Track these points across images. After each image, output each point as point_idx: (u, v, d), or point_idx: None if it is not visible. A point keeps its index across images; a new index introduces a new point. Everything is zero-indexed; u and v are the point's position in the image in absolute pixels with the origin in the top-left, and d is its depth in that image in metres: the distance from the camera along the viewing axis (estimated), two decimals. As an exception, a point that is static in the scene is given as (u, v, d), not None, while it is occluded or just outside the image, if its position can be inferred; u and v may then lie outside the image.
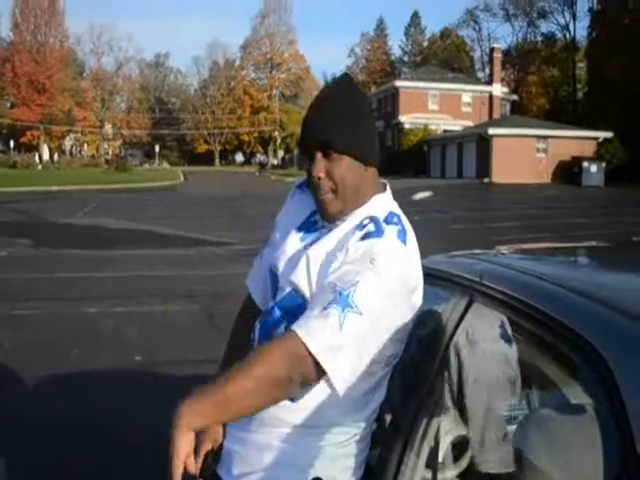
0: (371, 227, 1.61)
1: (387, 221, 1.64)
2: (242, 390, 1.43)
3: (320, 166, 1.65)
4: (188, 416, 1.44)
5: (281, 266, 1.74)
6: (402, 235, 1.63)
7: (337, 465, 1.68)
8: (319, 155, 1.66)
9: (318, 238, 1.71)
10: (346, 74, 1.83)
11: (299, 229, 1.77)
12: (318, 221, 1.76)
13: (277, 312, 1.70)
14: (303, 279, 1.65)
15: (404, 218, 1.70)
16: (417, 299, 1.69)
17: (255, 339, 1.76)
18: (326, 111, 1.67)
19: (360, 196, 1.70)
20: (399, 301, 1.61)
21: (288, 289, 1.69)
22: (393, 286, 1.57)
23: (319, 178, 1.66)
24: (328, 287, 1.54)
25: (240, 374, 1.44)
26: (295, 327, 1.48)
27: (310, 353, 1.44)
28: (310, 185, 1.71)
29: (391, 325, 1.62)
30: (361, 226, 1.64)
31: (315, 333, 1.45)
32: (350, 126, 1.66)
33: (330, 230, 1.70)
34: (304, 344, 1.44)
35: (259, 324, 1.77)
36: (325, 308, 1.48)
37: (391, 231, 1.61)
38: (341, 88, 1.74)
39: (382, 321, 1.57)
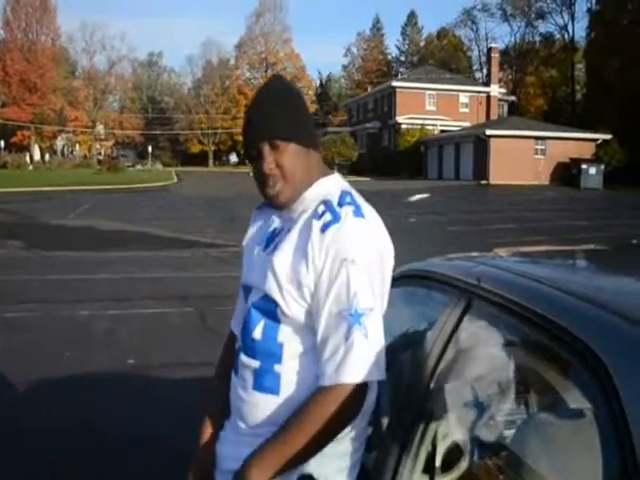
0: (328, 216, 1.65)
1: (340, 203, 1.68)
2: (307, 447, 1.56)
3: (270, 159, 1.71)
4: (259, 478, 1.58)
5: (251, 278, 1.81)
6: (358, 211, 1.67)
7: (331, 465, 1.69)
8: (267, 149, 1.72)
9: (279, 240, 1.75)
10: (275, 75, 1.96)
11: (260, 242, 1.84)
12: (276, 228, 1.81)
13: (254, 313, 1.76)
14: (273, 285, 1.69)
15: (357, 194, 1.75)
16: (389, 258, 1.76)
17: (241, 347, 1.81)
18: (265, 107, 1.74)
19: (307, 179, 1.75)
20: (382, 272, 1.71)
21: (260, 294, 1.74)
22: (376, 265, 1.67)
23: (270, 170, 1.71)
24: (334, 318, 1.61)
25: (302, 436, 1.56)
26: (336, 378, 1.56)
27: (360, 384, 1.58)
28: (259, 182, 1.77)
29: (384, 297, 1.75)
30: (317, 214, 1.67)
31: (356, 369, 1.56)
32: (289, 115, 1.73)
33: (288, 228, 1.74)
34: (354, 384, 1.56)
35: (241, 332, 1.82)
36: (347, 338, 1.58)
37: (347, 212, 1.65)
38: (274, 86, 1.82)
39: (380, 298, 1.70)
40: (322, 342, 1.63)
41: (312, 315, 1.66)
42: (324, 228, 1.64)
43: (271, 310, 1.70)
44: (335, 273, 1.61)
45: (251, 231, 1.94)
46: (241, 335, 1.82)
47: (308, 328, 1.67)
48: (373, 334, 1.60)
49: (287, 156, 1.71)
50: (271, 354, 1.71)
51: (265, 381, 1.71)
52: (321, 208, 1.68)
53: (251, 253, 1.87)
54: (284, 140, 1.71)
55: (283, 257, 1.69)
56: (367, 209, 1.72)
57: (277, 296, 1.67)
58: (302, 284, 1.64)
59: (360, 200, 1.74)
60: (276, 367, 1.70)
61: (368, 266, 1.63)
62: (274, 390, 1.70)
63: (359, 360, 1.57)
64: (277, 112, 1.72)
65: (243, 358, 1.78)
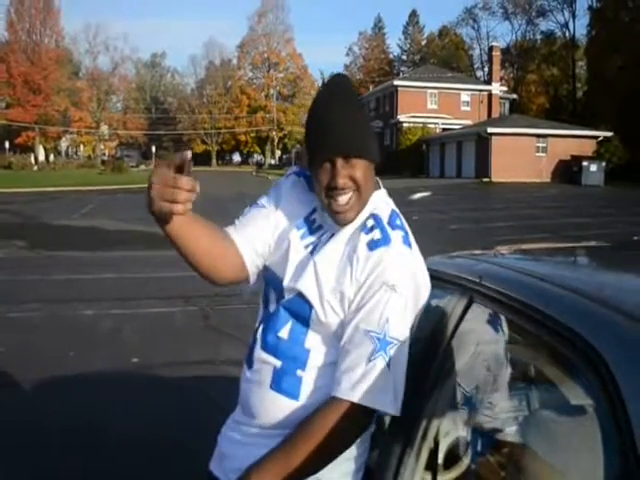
0: (377, 234, 1.64)
1: (391, 225, 1.67)
2: (307, 461, 1.54)
3: (344, 172, 1.65)
4: None
5: (284, 270, 1.73)
6: (406, 239, 1.67)
7: (336, 469, 1.67)
8: (340, 162, 1.64)
9: (320, 240, 1.72)
10: (341, 75, 1.81)
11: (299, 226, 1.77)
12: (317, 219, 1.76)
13: (282, 313, 1.71)
14: (311, 286, 1.65)
15: (403, 219, 1.73)
16: (425, 297, 1.72)
17: (258, 341, 1.75)
18: (342, 117, 1.65)
19: (371, 193, 1.73)
20: (416, 306, 1.67)
21: (293, 294, 1.69)
22: (412, 299, 1.64)
23: (345, 183, 1.65)
24: (360, 334, 1.58)
25: (303, 449, 1.54)
26: (350, 394, 1.55)
27: (371, 409, 1.57)
28: (327, 194, 1.68)
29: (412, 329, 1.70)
30: (365, 228, 1.66)
31: (371, 394, 1.55)
32: (363, 129, 1.68)
33: (334, 233, 1.71)
34: (365, 407, 1.55)
35: (262, 325, 1.76)
36: (370, 360, 1.56)
37: (397, 237, 1.65)
38: (344, 91, 1.72)
39: (410, 331, 1.66)
40: (343, 352, 1.61)
41: (343, 326, 1.64)
42: (372, 246, 1.63)
43: (304, 313, 1.67)
44: (372, 292, 1.59)
45: (287, 193, 1.85)
46: (261, 329, 1.76)
47: (336, 339, 1.65)
48: (396, 366, 1.59)
49: (359, 171, 1.66)
50: (296, 358, 1.68)
51: (284, 383, 1.68)
52: (370, 222, 1.67)
53: (286, 231, 1.79)
54: (358, 157, 1.66)
55: (326, 263, 1.66)
56: (412, 239, 1.71)
57: (315, 302, 1.64)
58: (345, 296, 1.62)
59: (407, 226, 1.73)
60: (299, 372, 1.67)
61: (406, 298, 1.61)
62: (293, 394, 1.67)
63: (376, 386, 1.56)
64: (354, 124, 1.66)
65: (262, 354, 1.72)
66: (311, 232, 1.76)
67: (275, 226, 1.81)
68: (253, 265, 1.79)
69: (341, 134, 1.64)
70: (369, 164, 1.69)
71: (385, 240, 1.63)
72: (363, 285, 1.61)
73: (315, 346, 1.68)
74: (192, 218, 1.64)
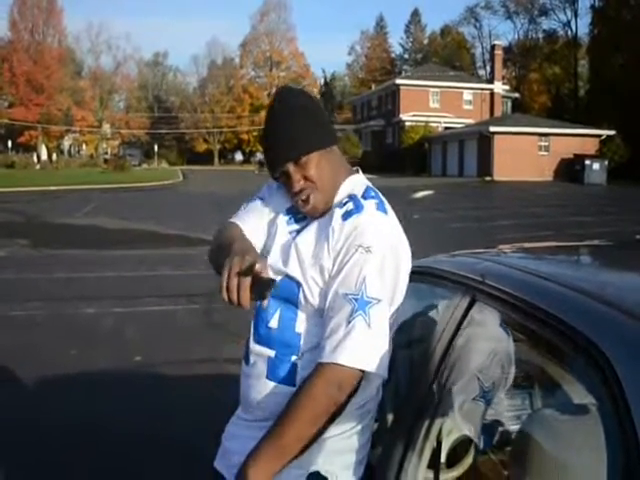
0: (350, 205, 1.69)
1: (365, 196, 1.72)
2: (299, 435, 1.55)
3: (297, 176, 1.72)
4: (257, 478, 1.55)
5: (270, 255, 1.78)
6: (381, 206, 1.71)
7: (338, 461, 1.68)
8: (292, 168, 1.71)
9: (305, 226, 1.77)
10: (278, 89, 1.88)
11: (285, 214, 1.84)
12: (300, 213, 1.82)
13: (271, 303, 1.72)
14: (295, 266, 1.70)
15: (378, 191, 1.78)
16: (407, 260, 1.75)
17: (251, 335, 1.79)
18: (280, 128, 1.73)
19: (335, 177, 1.76)
20: (397, 269, 1.70)
21: (280, 277, 1.72)
22: (390, 260, 1.67)
23: (301, 186, 1.72)
24: (339, 299, 1.61)
25: (292, 423, 1.54)
26: (331, 356, 1.56)
27: (355, 370, 1.57)
28: (292, 198, 1.76)
29: (396, 295, 1.73)
30: (341, 204, 1.71)
31: (353, 352, 1.55)
32: (306, 127, 1.72)
33: (314, 218, 1.76)
34: (348, 368, 1.55)
35: (254, 319, 1.80)
36: (349, 322, 1.57)
37: (370, 205, 1.70)
38: (281, 102, 1.78)
39: (391, 294, 1.68)
40: (326, 319, 1.63)
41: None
42: (346, 216, 1.67)
43: (292, 295, 1.70)
44: (349, 257, 1.62)
45: (267, 202, 1.91)
46: (253, 323, 1.80)
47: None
48: (376, 325, 1.59)
49: (312, 167, 1.72)
50: (288, 344, 1.70)
51: (280, 371, 1.70)
52: (345, 199, 1.72)
53: (272, 217, 1.87)
54: (306, 154, 1.71)
55: (305, 241, 1.71)
56: (388, 206, 1.74)
57: (300, 279, 1.68)
58: (324, 267, 1.66)
59: (382, 197, 1.76)
60: (293, 358, 1.69)
61: (382, 258, 1.64)
62: (290, 381, 1.69)
63: (357, 345, 1.56)
64: (293, 130, 1.71)
65: (256, 347, 1.76)
66: (296, 221, 1.81)
67: (268, 220, 1.88)
68: None
69: (278, 145, 1.72)
70: (322, 153, 1.74)
71: (358, 208, 1.68)
72: (340, 253, 1.64)
73: (306, 329, 1.70)
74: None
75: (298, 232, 1.77)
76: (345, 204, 1.71)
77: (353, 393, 1.62)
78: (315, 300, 1.68)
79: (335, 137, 1.83)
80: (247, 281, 1.51)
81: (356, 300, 1.59)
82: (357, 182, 1.80)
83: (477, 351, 1.87)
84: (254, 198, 1.96)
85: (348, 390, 1.59)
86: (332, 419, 1.60)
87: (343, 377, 1.56)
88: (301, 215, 1.81)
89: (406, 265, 1.75)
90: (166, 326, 7.96)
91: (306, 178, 1.72)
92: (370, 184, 1.81)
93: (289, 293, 1.71)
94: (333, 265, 1.65)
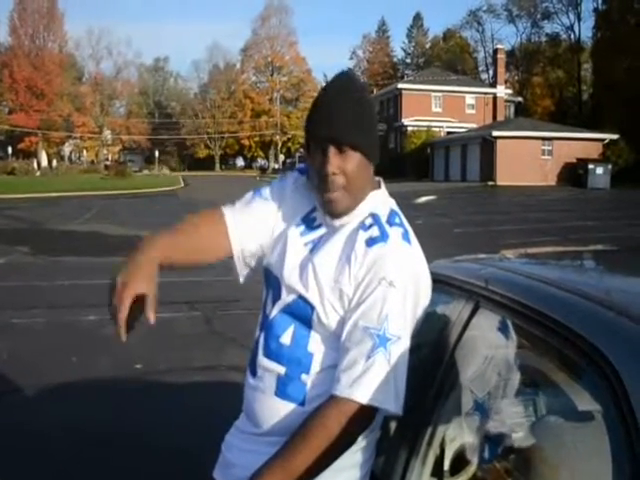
0: (375, 231, 1.63)
1: (390, 222, 1.66)
2: (308, 462, 1.51)
3: (335, 161, 1.63)
4: None
5: (283, 271, 1.72)
6: (406, 236, 1.66)
7: (342, 476, 1.66)
8: (332, 150, 1.63)
9: (320, 240, 1.71)
10: (348, 71, 1.84)
11: (298, 224, 1.77)
12: (317, 218, 1.75)
13: (284, 317, 1.70)
14: (312, 287, 1.65)
15: (403, 217, 1.73)
16: (427, 296, 1.71)
17: (260, 348, 1.74)
18: (342, 106, 1.64)
19: (364, 190, 1.71)
20: (416, 303, 1.65)
21: (294, 296, 1.68)
22: (412, 295, 1.62)
23: (334, 174, 1.63)
24: (359, 331, 1.57)
25: (302, 450, 1.51)
26: (348, 391, 1.52)
27: (371, 407, 1.54)
28: (317, 181, 1.68)
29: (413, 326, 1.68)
30: (364, 226, 1.65)
31: (370, 390, 1.52)
32: (363, 123, 1.66)
33: (332, 232, 1.70)
34: (365, 405, 1.52)
35: (263, 331, 1.75)
36: (369, 357, 1.54)
37: (395, 234, 1.64)
38: (353, 86, 1.71)
39: (411, 329, 1.64)
40: (343, 350, 1.59)
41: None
42: (370, 242, 1.61)
43: (306, 315, 1.66)
44: (371, 289, 1.58)
45: (289, 192, 1.84)
46: (263, 336, 1.75)
47: (339, 340, 1.63)
48: (396, 363, 1.57)
49: (351, 164, 1.64)
50: (299, 362, 1.67)
51: (289, 389, 1.67)
52: (369, 221, 1.66)
53: (285, 229, 1.79)
54: (352, 148, 1.64)
55: (325, 263, 1.66)
56: (413, 236, 1.69)
57: (316, 302, 1.64)
58: (344, 293, 1.61)
59: (407, 224, 1.71)
60: (303, 376, 1.67)
61: (405, 293, 1.60)
62: (298, 400, 1.66)
63: (375, 383, 1.54)
64: (353, 115, 1.64)
65: (265, 361, 1.72)
66: (310, 230, 1.76)
67: (274, 226, 1.82)
68: (241, 260, 1.83)
69: (337, 121, 1.63)
70: (364, 160, 1.67)
71: (383, 236, 1.62)
72: (362, 282, 1.60)
73: (318, 349, 1.67)
74: (172, 248, 1.82)
75: (314, 245, 1.72)
76: (369, 228, 1.65)
77: (366, 427, 1.61)
78: (331, 324, 1.64)
79: (378, 156, 1.73)
80: (124, 312, 1.57)
81: (378, 336, 1.56)
82: (380, 199, 1.75)
83: (471, 360, 1.87)
84: (261, 192, 1.86)
85: (362, 425, 1.59)
86: (344, 450, 1.58)
87: (358, 413, 1.54)
88: (317, 223, 1.75)
89: (425, 298, 1.71)
90: (167, 333, 7.92)
91: (342, 170, 1.64)
92: (393, 203, 1.76)
93: (302, 313, 1.67)
94: (354, 293, 1.61)
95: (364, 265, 1.60)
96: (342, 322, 1.62)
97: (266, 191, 1.85)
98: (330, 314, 1.63)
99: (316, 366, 1.66)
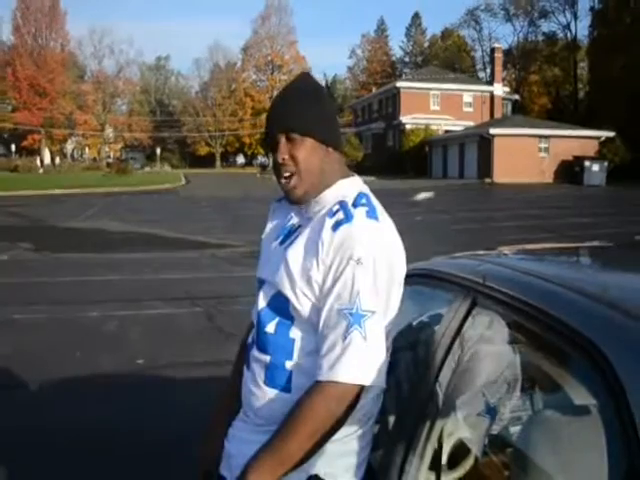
0: (340, 215, 1.66)
1: (355, 204, 1.68)
2: (300, 447, 1.58)
3: (284, 149, 1.72)
4: None
5: (265, 273, 1.80)
6: (372, 213, 1.68)
7: (338, 463, 1.69)
8: (282, 139, 1.72)
9: (294, 235, 1.76)
10: (303, 72, 1.95)
11: (277, 237, 1.84)
12: (294, 225, 1.81)
13: (268, 310, 1.76)
14: (285, 281, 1.69)
15: (373, 197, 1.75)
16: (401, 266, 1.74)
17: (252, 341, 1.82)
18: (286, 100, 1.76)
19: (325, 179, 1.75)
20: (390, 277, 1.68)
21: (273, 292, 1.74)
22: (384, 269, 1.65)
23: (283, 159, 1.72)
24: (334, 314, 1.61)
25: (293, 435, 1.57)
26: (329, 374, 1.57)
27: (354, 385, 1.58)
28: (275, 173, 1.78)
29: (391, 303, 1.72)
30: (331, 212, 1.68)
31: (351, 369, 1.57)
32: (309, 110, 1.73)
33: (305, 225, 1.75)
34: (347, 384, 1.57)
35: (255, 327, 1.82)
36: (345, 337, 1.58)
37: (360, 213, 1.66)
38: (299, 82, 1.83)
39: (385, 303, 1.68)
40: (321, 337, 1.63)
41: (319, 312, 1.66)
42: (335, 226, 1.64)
43: (284, 308, 1.71)
44: (340, 271, 1.61)
45: (269, 225, 1.94)
46: (255, 330, 1.82)
47: (317, 326, 1.67)
48: (372, 338, 1.59)
49: (302, 150, 1.71)
50: (282, 349, 1.71)
51: (276, 377, 1.72)
52: (336, 207, 1.68)
53: (268, 247, 1.87)
54: (300, 134, 1.71)
55: (296, 253, 1.69)
56: (381, 212, 1.72)
57: (289, 292, 1.68)
58: (312, 279, 1.64)
59: (376, 202, 1.74)
60: (287, 363, 1.70)
61: (375, 268, 1.62)
62: (285, 387, 1.70)
63: (355, 361, 1.57)
64: (297, 105, 1.73)
65: (255, 352, 1.78)
66: (287, 235, 1.81)
67: (265, 247, 1.92)
68: None
69: (283, 112, 1.73)
70: (318, 146, 1.73)
71: (347, 218, 1.65)
72: (331, 266, 1.63)
73: (299, 335, 1.71)
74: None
75: (290, 244, 1.76)
76: (335, 213, 1.67)
77: (353, 407, 1.62)
78: (305, 312, 1.68)
79: (336, 141, 1.80)
80: None
81: (351, 315, 1.58)
82: (349, 186, 1.77)
83: (478, 354, 1.87)
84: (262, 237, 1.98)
85: (348, 405, 1.60)
86: (333, 432, 1.61)
87: (342, 393, 1.57)
88: (296, 227, 1.80)
89: (400, 271, 1.73)
90: (169, 329, 7.95)
91: (292, 157, 1.72)
92: (365, 188, 1.79)
93: (281, 306, 1.72)
94: (324, 279, 1.64)
95: (331, 249, 1.62)
96: (316, 309, 1.66)
97: (263, 235, 1.96)
98: (303, 302, 1.67)
99: (298, 352, 1.70)
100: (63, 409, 5.30)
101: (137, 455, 4.40)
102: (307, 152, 1.72)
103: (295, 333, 1.71)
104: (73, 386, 5.85)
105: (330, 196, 1.74)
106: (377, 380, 1.61)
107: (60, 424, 4.94)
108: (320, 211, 1.73)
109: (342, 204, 1.68)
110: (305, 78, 1.86)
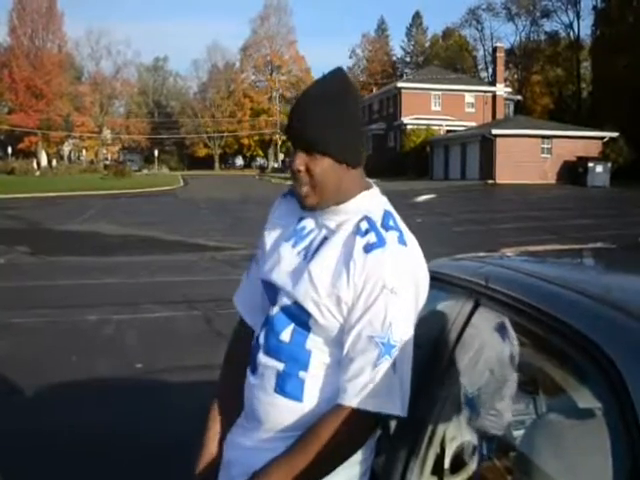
0: (372, 237, 1.62)
1: (385, 226, 1.65)
2: (313, 466, 1.55)
3: (300, 160, 1.67)
4: None
5: (279, 279, 1.73)
6: (401, 238, 1.65)
7: (341, 473, 1.66)
8: (301, 152, 1.67)
9: (312, 244, 1.71)
10: (339, 69, 1.78)
11: (288, 238, 1.77)
12: (306, 226, 1.76)
13: (283, 316, 1.71)
14: (308, 294, 1.64)
15: (397, 217, 1.72)
16: (425, 292, 1.71)
17: (260, 345, 1.75)
18: (312, 111, 1.65)
19: (342, 193, 1.70)
20: (417, 304, 1.67)
21: (291, 301, 1.69)
22: (412, 298, 1.63)
23: (298, 171, 1.67)
24: (364, 341, 1.58)
25: (308, 454, 1.55)
26: (355, 400, 1.55)
27: (380, 414, 1.57)
28: (291, 175, 1.72)
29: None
30: (360, 231, 1.64)
31: (378, 398, 1.56)
32: (334, 129, 1.65)
33: (328, 235, 1.70)
34: (372, 413, 1.55)
35: (263, 329, 1.76)
36: (375, 365, 1.57)
37: (392, 238, 1.63)
38: (332, 85, 1.70)
39: (413, 328, 1.66)
40: (347, 360, 1.61)
41: (344, 331, 1.63)
42: (368, 249, 1.61)
43: (302, 318, 1.67)
44: (373, 298, 1.59)
45: (274, 220, 1.88)
46: (263, 334, 1.76)
47: (338, 342, 1.64)
48: (402, 368, 1.59)
49: (319, 167, 1.66)
50: (298, 360, 1.68)
51: (288, 386, 1.68)
52: (364, 225, 1.65)
53: (275, 246, 1.80)
54: (319, 153, 1.65)
55: (322, 269, 1.65)
56: (409, 236, 1.69)
57: (313, 309, 1.64)
58: (341, 300, 1.61)
59: (401, 223, 1.71)
60: (301, 373, 1.68)
61: (407, 298, 1.62)
62: (296, 396, 1.67)
63: (383, 391, 1.57)
64: (321, 122, 1.64)
65: (264, 358, 1.73)
66: (301, 239, 1.75)
67: (271, 242, 1.84)
68: None
69: (304, 127, 1.65)
70: (335, 164, 1.66)
71: (380, 242, 1.62)
72: (363, 290, 1.60)
73: (316, 347, 1.67)
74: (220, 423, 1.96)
75: (307, 252, 1.71)
76: (366, 234, 1.63)
77: (373, 432, 1.64)
78: (329, 329, 1.64)
79: (357, 160, 1.71)
80: None
81: (383, 344, 1.58)
82: (371, 198, 1.73)
83: (480, 357, 1.87)
84: (256, 255, 1.93)
85: (369, 431, 1.62)
86: (348, 457, 1.61)
87: (367, 421, 1.57)
88: (307, 231, 1.75)
89: (423, 294, 1.71)
90: (167, 333, 7.97)
91: (308, 170, 1.67)
92: (387, 204, 1.75)
93: (298, 315, 1.68)
94: (353, 302, 1.61)
95: (364, 272, 1.59)
96: (341, 328, 1.63)
97: (258, 251, 1.91)
98: (328, 319, 1.63)
99: (314, 364, 1.67)
100: (61, 412, 5.31)
101: (134, 459, 4.44)
102: (324, 169, 1.66)
103: (312, 344, 1.67)
104: (71, 389, 5.86)
105: (353, 207, 1.70)
106: (402, 410, 1.60)
107: (58, 427, 4.96)
108: (343, 224, 1.68)
109: (370, 222, 1.65)
110: (339, 81, 1.71)
